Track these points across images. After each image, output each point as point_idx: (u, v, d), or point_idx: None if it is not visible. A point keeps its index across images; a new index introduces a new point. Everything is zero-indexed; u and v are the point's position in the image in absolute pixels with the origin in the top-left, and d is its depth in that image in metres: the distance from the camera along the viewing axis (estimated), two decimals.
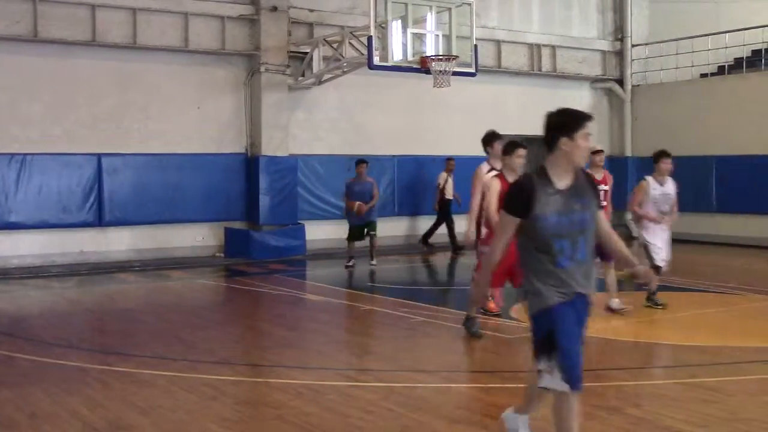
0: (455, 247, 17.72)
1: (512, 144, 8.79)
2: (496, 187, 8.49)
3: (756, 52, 21.49)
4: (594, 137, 18.27)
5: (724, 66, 21.47)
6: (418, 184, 18.98)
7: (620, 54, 22.32)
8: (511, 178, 8.12)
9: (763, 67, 20.77)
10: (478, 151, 19.48)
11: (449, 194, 18.21)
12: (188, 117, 16.67)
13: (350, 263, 15.52)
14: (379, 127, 18.53)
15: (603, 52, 22.19)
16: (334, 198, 17.88)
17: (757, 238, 18.47)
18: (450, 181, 18.22)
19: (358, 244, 15.75)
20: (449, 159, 18.39)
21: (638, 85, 22.13)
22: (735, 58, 21.57)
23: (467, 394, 6.77)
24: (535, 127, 20.73)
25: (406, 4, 14.90)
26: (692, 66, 20.85)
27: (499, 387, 6.97)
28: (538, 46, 20.96)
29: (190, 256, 16.39)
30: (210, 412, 6.34)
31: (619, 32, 22.35)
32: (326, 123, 18.08)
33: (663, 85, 21.51)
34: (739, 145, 19.40)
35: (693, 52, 20.39)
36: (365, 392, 6.85)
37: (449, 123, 19.26)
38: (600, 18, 22.27)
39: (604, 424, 6.05)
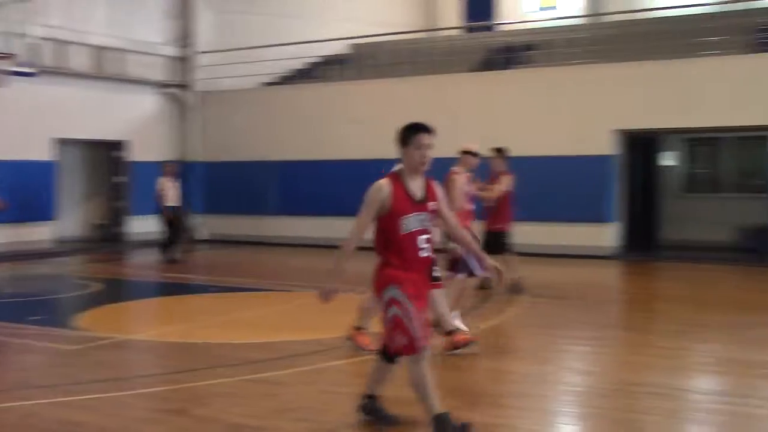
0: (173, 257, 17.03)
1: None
2: None
3: (312, 65, 23.09)
4: (163, 143, 18.30)
5: (286, 76, 22.73)
6: None
7: (186, 60, 22.56)
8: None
9: (316, 78, 22.33)
10: (44, 155, 18.80)
11: (172, 200, 17.00)
12: None
13: None
14: None
15: (170, 57, 22.28)
16: None
17: (318, 238, 19.73)
18: (172, 186, 17.03)
19: None
20: (167, 163, 17.65)
21: (206, 92, 22.52)
22: (294, 69, 22.96)
23: (30, 412, 6.42)
24: (100, 130, 20.02)
25: None
26: (256, 75, 21.71)
27: (61, 401, 6.70)
28: (103, 48, 20.48)
29: None
30: None
31: (185, 39, 22.58)
32: None
33: (229, 92, 22.11)
34: (298, 151, 20.61)
35: (256, 61, 21.23)
36: None
37: (8, 125, 18.00)
38: (165, 23, 22.32)
39: (169, 426, 6.10)
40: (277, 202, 20.99)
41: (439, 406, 5.51)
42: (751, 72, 16.40)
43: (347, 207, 19.56)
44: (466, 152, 9.32)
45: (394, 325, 5.47)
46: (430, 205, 5.61)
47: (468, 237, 6.45)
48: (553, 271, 15.58)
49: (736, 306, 11.78)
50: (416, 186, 5.60)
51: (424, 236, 5.55)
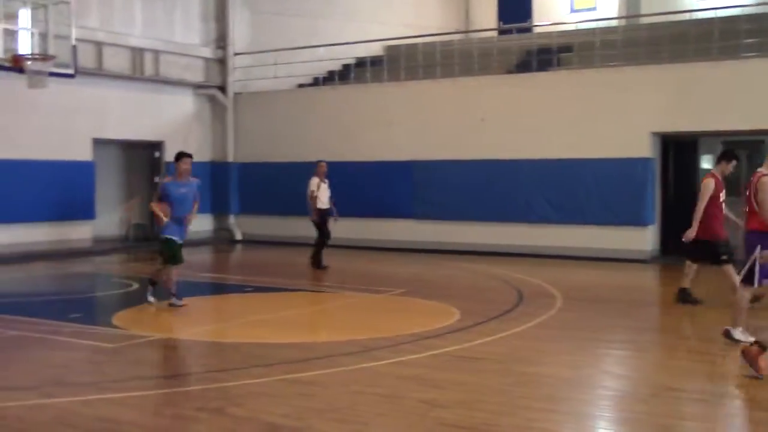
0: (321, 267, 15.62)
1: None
2: None
3: (346, 66, 23.11)
4: (199, 143, 18.49)
5: (318, 78, 22.79)
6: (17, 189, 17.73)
7: (222, 62, 22.70)
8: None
9: (350, 80, 22.37)
10: (83, 155, 19.00)
11: (324, 203, 15.62)
12: None
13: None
14: None
15: (206, 59, 22.43)
16: None
17: (351, 239, 19.72)
18: (324, 187, 15.61)
19: None
20: (319, 162, 15.93)
21: (240, 93, 22.64)
22: (328, 71, 23.02)
23: (67, 409, 6.50)
24: (137, 131, 20.15)
25: None
26: (291, 76, 21.81)
27: (98, 399, 6.78)
28: (141, 49, 20.67)
29: None
30: None
31: (222, 40, 22.71)
32: None
33: (264, 93, 22.23)
34: (331, 152, 20.61)
35: (291, 63, 21.34)
36: None
37: (47, 125, 18.30)
38: (203, 25, 22.48)
39: (207, 425, 6.16)
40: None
41: None
42: None
43: (378, 208, 19.84)
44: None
45: None
46: None
47: None
48: (589, 274, 15.49)
49: None
50: None
51: None
